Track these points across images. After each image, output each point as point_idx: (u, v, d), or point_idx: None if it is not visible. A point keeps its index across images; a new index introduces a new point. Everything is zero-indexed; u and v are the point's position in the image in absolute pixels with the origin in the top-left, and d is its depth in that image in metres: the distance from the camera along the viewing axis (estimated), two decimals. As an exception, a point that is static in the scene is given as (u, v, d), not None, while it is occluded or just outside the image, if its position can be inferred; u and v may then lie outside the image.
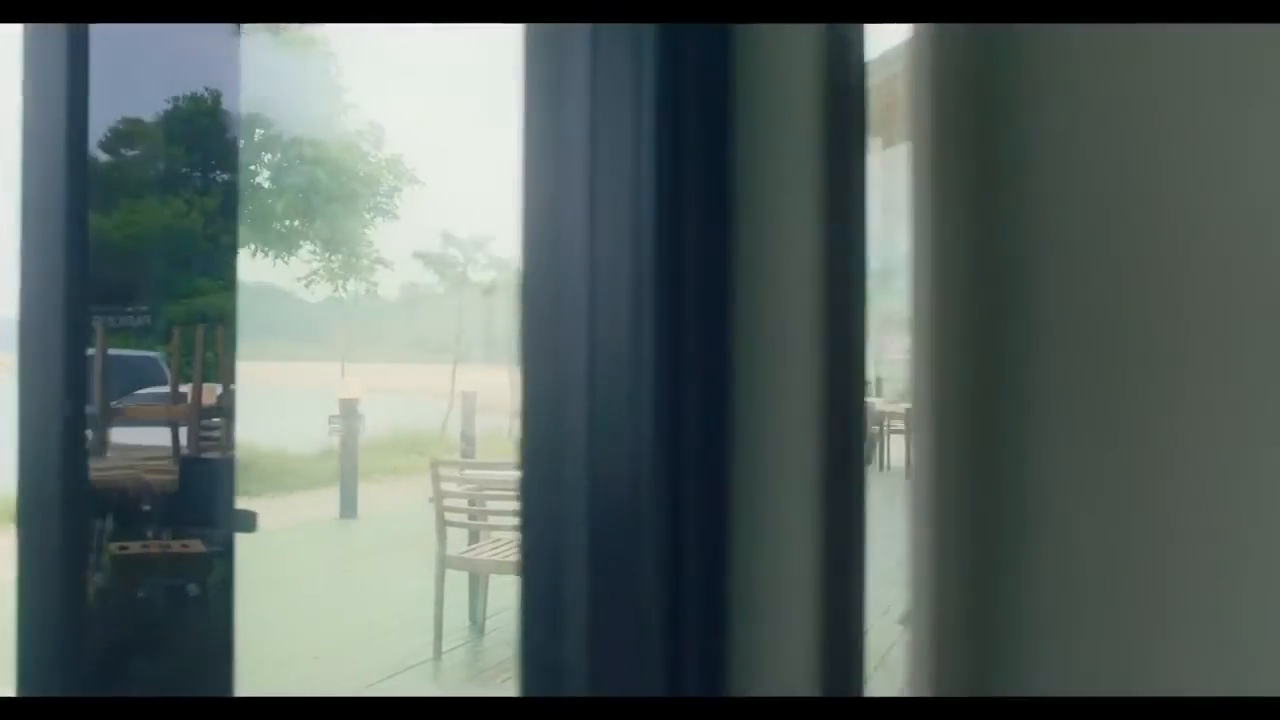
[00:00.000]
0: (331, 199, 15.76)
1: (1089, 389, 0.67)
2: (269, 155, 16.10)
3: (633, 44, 0.66)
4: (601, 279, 0.67)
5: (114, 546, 3.89)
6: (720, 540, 0.67)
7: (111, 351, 4.32)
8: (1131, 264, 0.66)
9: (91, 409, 4.17)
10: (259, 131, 15.67)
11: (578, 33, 0.67)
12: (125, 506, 3.96)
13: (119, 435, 4.43)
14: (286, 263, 16.29)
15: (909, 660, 0.65)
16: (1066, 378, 0.67)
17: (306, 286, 16.87)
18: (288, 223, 16.04)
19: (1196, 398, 0.65)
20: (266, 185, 16.10)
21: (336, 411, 10.48)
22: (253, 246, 16.00)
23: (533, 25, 0.67)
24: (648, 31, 0.66)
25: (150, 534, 4.00)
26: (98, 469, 4.11)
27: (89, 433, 4.16)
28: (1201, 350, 0.65)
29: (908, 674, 0.65)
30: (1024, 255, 0.68)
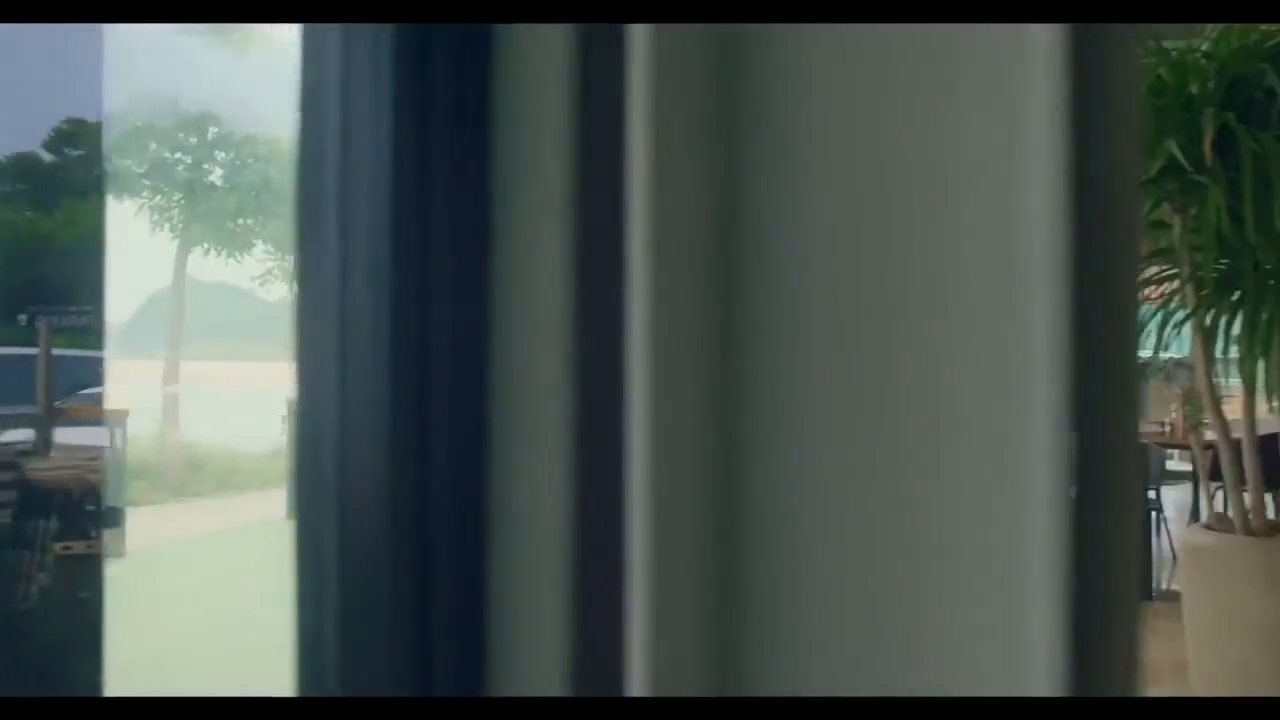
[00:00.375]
0: (286, 198, 15.63)
1: (810, 391, 0.70)
2: (221, 153, 15.95)
3: (373, 45, 0.67)
4: (349, 281, 0.69)
5: (58, 547, 3.89)
6: (475, 541, 0.68)
7: (55, 351, 4.31)
8: (856, 269, 0.69)
9: (35, 409, 4.17)
10: (212, 130, 15.52)
11: (333, 34, 0.68)
12: (69, 507, 3.96)
13: (63, 435, 4.42)
14: (240, 261, 16.12)
15: (629, 660, 0.67)
16: (786, 380, 0.70)
17: (261, 285, 16.69)
18: (241, 221, 15.88)
19: (920, 401, 0.69)
20: (219, 184, 15.94)
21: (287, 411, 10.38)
22: (205, 245, 15.84)
23: (306, 26, 0.68)
24: (386, 32, 0.67)
25: (94, 534, 4.00)
26: (41, 469, 4.10)
27: (33, 432, 4.16)
28: (923, 356, 0.68)
29: (629, 674, 0.67)
30: (745, 259, 0.70)
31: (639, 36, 0.66)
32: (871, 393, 0.69)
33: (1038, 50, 0.64)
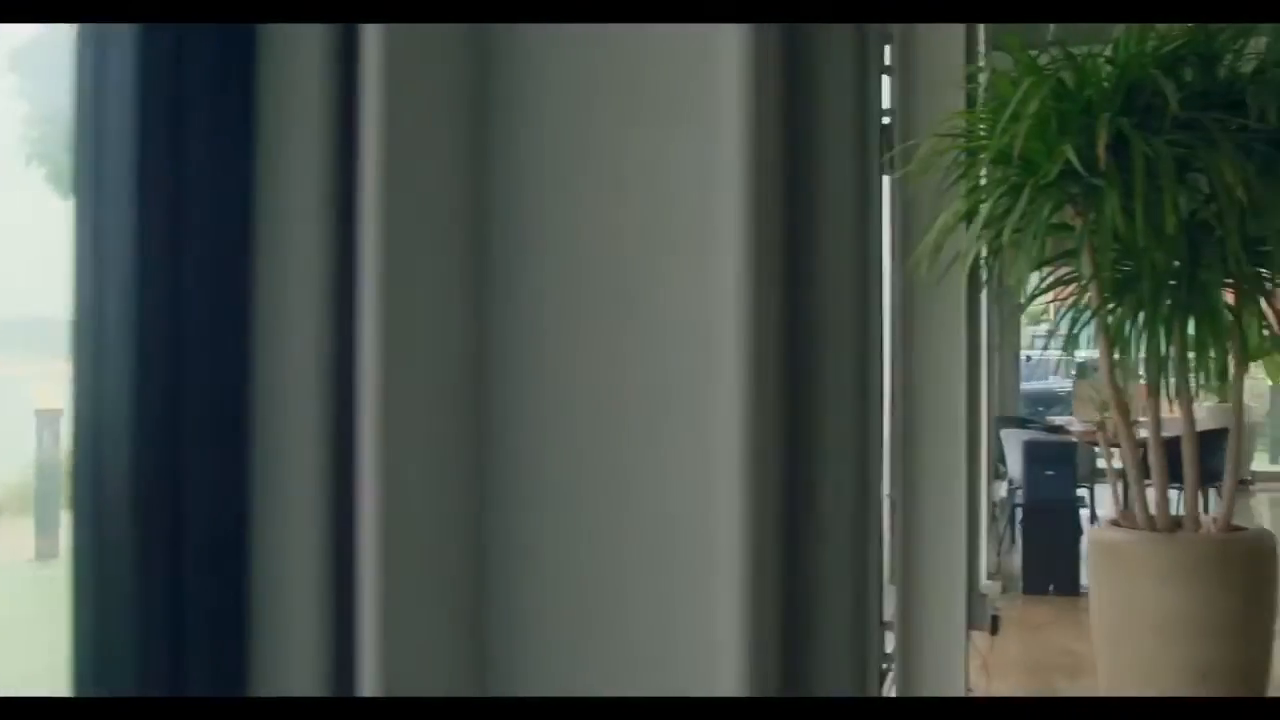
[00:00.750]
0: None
1: (544, 393, 0.72)
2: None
3: (125, 46, 0.67)
4: (105, 281, 0.70)
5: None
6: (232, 542, 0.69)
7: (-31, 351, 4.27)
8: (583, 273, 0.71)
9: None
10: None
11: (88, 35, 0.68)
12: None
13: (-28, 435, 4.37)
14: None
15: (360, 661, 0.68)
16: (524, 378, 0.73)
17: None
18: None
19: (625, 415, 0.71)
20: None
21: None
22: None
23: (80, 25, 0.68)
24: (132, 31, 0.67)
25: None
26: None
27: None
28: (627, 368, 0.70)
29: (361, 673, 0.68)
30: (490, 263, 0.72)
31: (371, 37, 0.68)
32: (590, 400, 0.71)
33: (725, 51, 0.66)
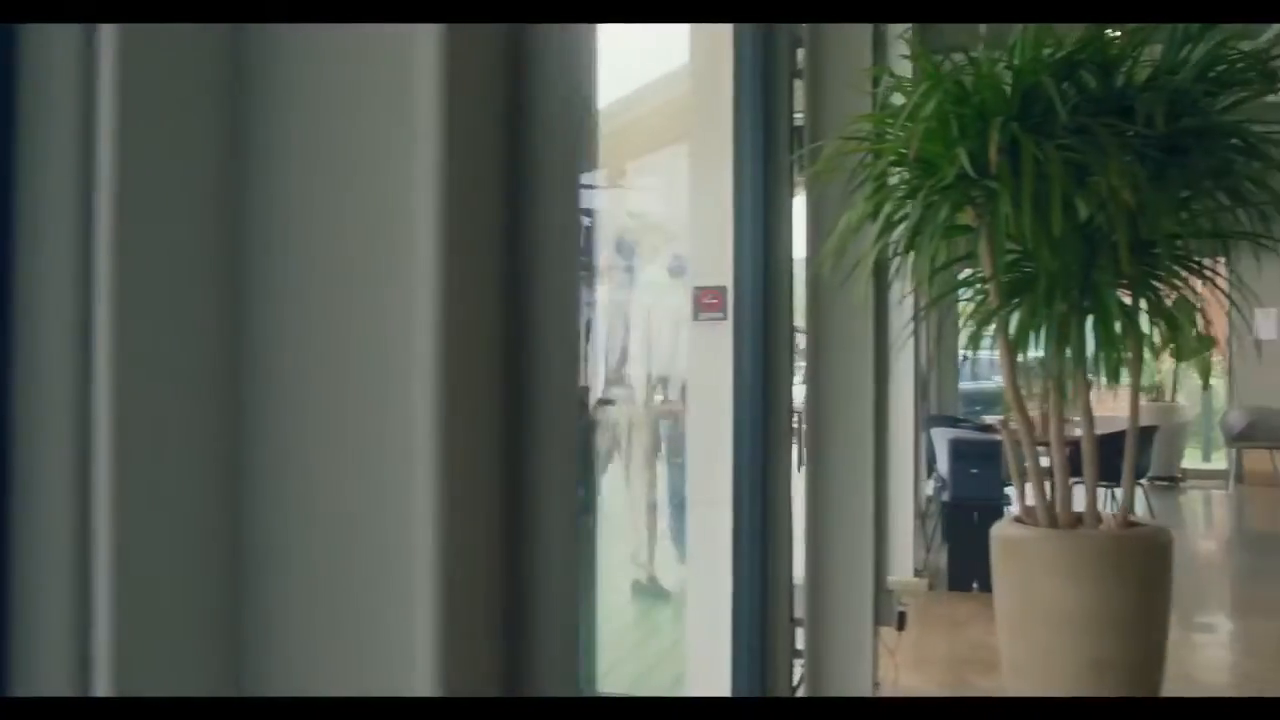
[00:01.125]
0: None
1: (287, 390, 0.73)
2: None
3: None
4: None
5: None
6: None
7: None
8: (324, 273, 0.73)
9: None
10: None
11: None
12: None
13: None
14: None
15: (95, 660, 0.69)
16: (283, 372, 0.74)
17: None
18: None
19: (362, 401, 0.73)
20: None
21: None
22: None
23: None
24: None
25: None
26: None
27: None
28: (368, 355, 0.72)
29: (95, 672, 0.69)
30: (231, 258, 0.73)
31: (108, 38, 0.69)
32: (323, 399, 0.72)
33: (422, 50, 0.68)
